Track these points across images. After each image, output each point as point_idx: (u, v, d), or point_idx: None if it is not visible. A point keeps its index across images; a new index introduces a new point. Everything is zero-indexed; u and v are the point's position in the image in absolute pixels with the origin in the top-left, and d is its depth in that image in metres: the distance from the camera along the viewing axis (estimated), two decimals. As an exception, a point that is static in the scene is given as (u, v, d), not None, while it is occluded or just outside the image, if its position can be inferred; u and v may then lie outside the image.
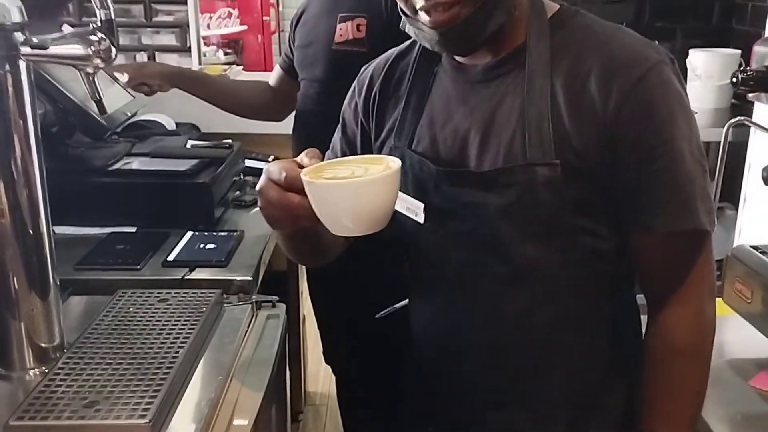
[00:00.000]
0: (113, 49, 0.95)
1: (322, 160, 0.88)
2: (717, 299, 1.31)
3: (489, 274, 0.96)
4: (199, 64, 3.10)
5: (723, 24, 3.15)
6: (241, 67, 3.18)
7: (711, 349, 0.97)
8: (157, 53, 3.18)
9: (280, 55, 1.98)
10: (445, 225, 0.97)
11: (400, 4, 0.92)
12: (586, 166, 0.89)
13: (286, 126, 1.87)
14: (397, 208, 1.01)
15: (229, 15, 4.95)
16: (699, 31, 3.18)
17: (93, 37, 0.93)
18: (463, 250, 0.97)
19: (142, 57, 3.16)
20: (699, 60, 2.92)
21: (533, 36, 0.92)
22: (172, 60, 3.15)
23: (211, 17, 4.83)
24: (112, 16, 0.94)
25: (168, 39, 3.17)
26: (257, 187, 0.88)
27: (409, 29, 0.95)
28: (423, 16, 0.89)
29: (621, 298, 1.01)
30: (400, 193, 1.00)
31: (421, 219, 0.98)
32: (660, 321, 0.96)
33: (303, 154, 0.87)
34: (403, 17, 0.94)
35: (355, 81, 1.12)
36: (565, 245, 0.92)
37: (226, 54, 4.80)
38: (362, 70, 1.12)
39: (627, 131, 0.87)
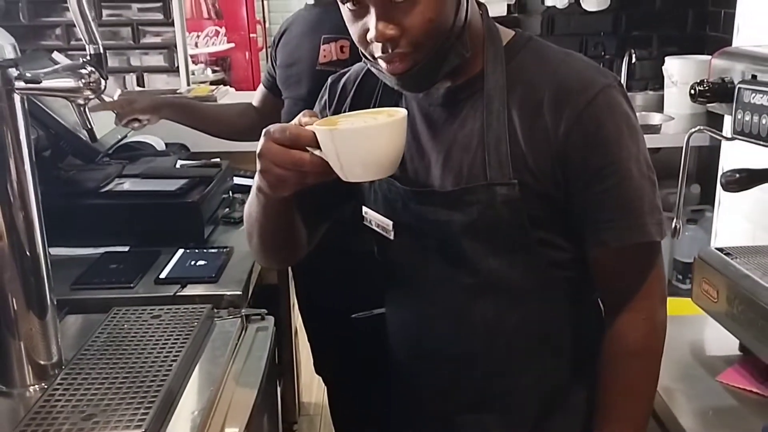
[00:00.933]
0: (102, 81, 1.01)
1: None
2: (687, 299, 1.39)
3: (457, 285, 1.02)
4: (188, 84, 3.16)
5: (697, 31, 3.23)
6: (228, 86, 3.24)
7: (662, 351, 1.04)
8: (145, 74, 3.23)
9: (268, 71, 2.04)
10: (414, 241, 1.04)
11: (361, 49, 0.96)
12: (542, 185, 0.95)
13: (273, 144, 1.92)
14: (370, 225, 1.07)
15: (217, 33, 5.01)
16: (674, 38, 3.26)
17: (83, 71, 0.99)
18: (432, 263, 1.03)
19: (131, 78, 3.20)
20: (674, 67, 3.00)
21: (490, 63, 0.98)
22: (160, 80, 3.20)
23: (198, 36, 4.88)
24: (101, 50, 1.00)
25: (156, 60, 3.22)
26: (258, 151, 0.90)
27: (371, 68, 1.00)
28: (382, 64, 0.94)
29: (583, 303, 1.08)
30: (371, 211, 1.06)
31: (390, 236, 1.05)
32: (615, 325, 1.02)
33: (300, 115, 0.91)
34: (363, 60, 1.00)
35: (325, 91, 1.15)
36: (526, 257, 0.99)
37: (214, 72, 4.85)
38: (331, 79, 1.15)
39: (577, 153, 0.93)
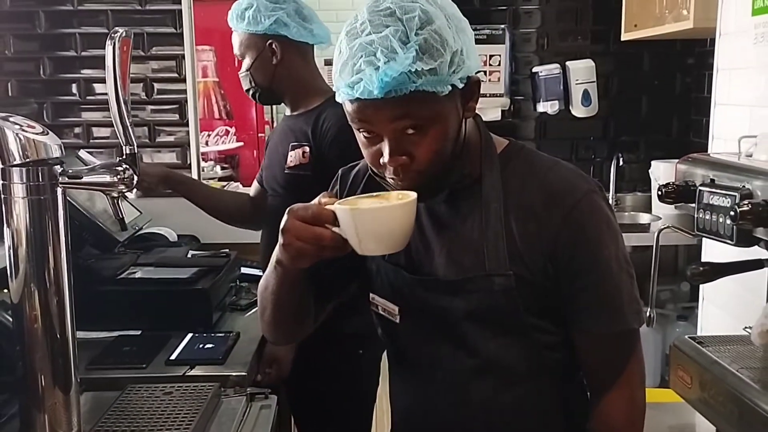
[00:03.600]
0: (135, 177, 1.14)
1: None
2: (669, 390, 1.47)
3: (458, 365, 1.13)
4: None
5: (681, 137, 3.40)
6: (238, 183, 3.38)
7: (642, 428, 1.14)
8: (159, 171, 3.37)
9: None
10: (419, 324, 1.15)
11: (372, 168, 1.08)
12: (533, 276, 1.07)
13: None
14: (376, 309, 1.19)
15: (227, 132, 5.21)
16: (660, 143, 3.42)
17: (119, 168, 1.13)
18: (434, 345, 1.14)
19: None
20: (660, 170, 3.15)
21: (486, 170, 1.11)
22: (172, 177, 3.35)
23: (209, 135, 5.09)
24: (136, 151, 1.14)
25: (169, 157, 3.37)
26: (282, 227, 1.00)
27: (379, 181, 1.11)
28: (390, 180, 1.06)
29: (572, 383, 1.18)
30: (378, 297, 1.19)
31: (396, 319, 1.16)
32: (599, 404, 1.13)
33: (320, 196, 1.03)
34: (372, 173, 1.11)
35: (337, 181, 1.26)
36: (521, 340, 1.11)
37: (223, 168, 5.03)
38: (342, 171, 1.26)
39: (565, 251, 1.06)
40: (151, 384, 1.38)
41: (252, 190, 2.16)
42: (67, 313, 1.18)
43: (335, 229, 1.00)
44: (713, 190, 1.26)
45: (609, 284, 1.08)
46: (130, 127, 1.14)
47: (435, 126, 1.01)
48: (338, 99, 1.04)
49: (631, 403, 1.13)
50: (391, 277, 1.16)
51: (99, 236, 1.83)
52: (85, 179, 1.13)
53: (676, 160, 3.13)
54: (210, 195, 2.16)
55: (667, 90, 3.42)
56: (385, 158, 1.03)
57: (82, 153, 2.12)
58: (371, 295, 1.20)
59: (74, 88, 3.04)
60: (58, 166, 1.12)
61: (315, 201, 1.04)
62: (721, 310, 2.00)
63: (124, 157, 1.14)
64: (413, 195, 1.01)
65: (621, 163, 3.34)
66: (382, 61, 0.96)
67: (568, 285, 1.08)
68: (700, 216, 1.29)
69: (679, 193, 1.35)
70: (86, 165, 1.45)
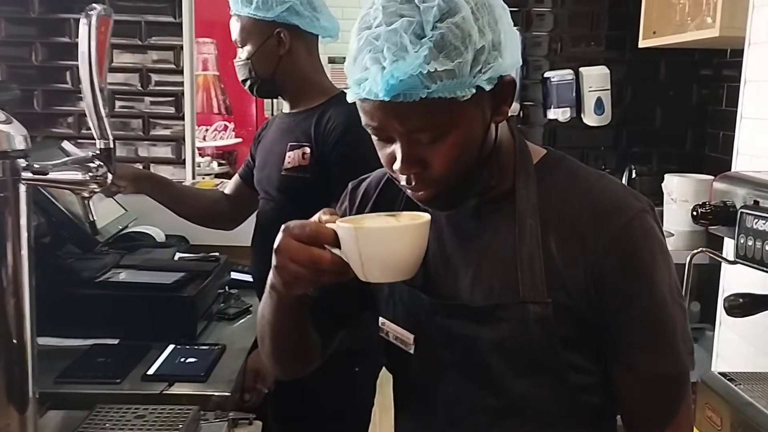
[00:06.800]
0: (109, 176, 1.01)
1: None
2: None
3: (480, 406, 0.98)
4: (193, 177, 3.19)
5: (696, 151, 3.29)
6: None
7: None
8: (152, 164, 3.27)
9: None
10: (435, 355, 0.99)
11: (387, 170, 0.95)
12: (575, 304, 0.92)
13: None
14: (386, 337, 1.04)
15: (225, 128, 5.10)
16: (673, 156, 3.31)
17: (91, 164, 1.00)
18: (453, 381, 0.99)
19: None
20: (674, 184, 3.03)
21: (521, 181, 0.96)
22: (166, 171, 3.23)
23: (207, 130, 4.97)
24: (111, 146, 1.01)
25: (164, 151, 3.26)
26: (275, 246, 0.88)
27: (397, 185, 0.98)
28: (406, 189, 0.94)
29: (603, 429, 1.02)
30: (389, 323, 1.03)
31: (411, 350, 1.01)
32: None
33: (320, 212, 0.90)
34: (389, 175, 0.98)
35: (345, 197, 1.12)
36: (554, 379, 0.95)
37: (220, 165, 4.91)
38: (352, 185, 1.13)
39: (612, 275, 0.91)
40: (123, 404, 1.25)
41: (230, 186, 2.02)
42: (27, 317, 1.06)
43: (335, 251, 0.86)
44: (758, 213, 1.13)
45: (662, 317, 0.93)
46: (105, 119, 1.01)
47: (454, 132, 0.88)
48: (348, 96, 0.90)
49: None
50: (405, 300, 1.01)
51: (78, 235, 1.70)
52: (51, 176, 1.00)
53: (693, 175, 3.06)
54: (188, 198, 2.01)
55: (683, 101, 3.30)
56: (397, 164, 0.90)
57: (66, 144, 1.98)
58: (381, 320, 1.05)
59: (68, 76, 2.93)
60: (22, 160, 0.98)
61: (315, 218, 0.90)
62: (740, 337, 1.87)
63: (98, 152, 1.00)
64: (426, 216, 0.89)
65: (633, 175, 3.21)
66: (389, 60, 0.82)
67: (613, 315, 0.93)
68: (741, 242, 1.16)
69: (716, 215, 1.21)
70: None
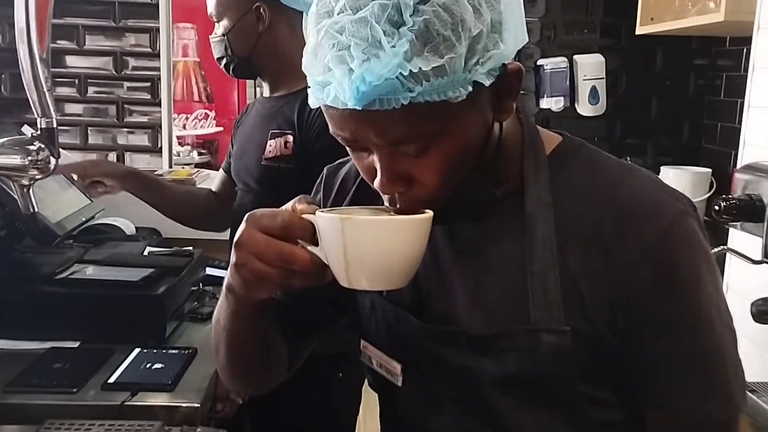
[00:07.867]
0: (52, 160, 0.87)
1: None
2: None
3: None
4: (170, 166, 3.06)
5: (692, 142, 3.19)
6: (211, 170, 3.14)
7: None
8: (127, 153, 3.14)
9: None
10: (427, 387, 0.84)
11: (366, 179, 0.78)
12: (597, 331, 0.75)
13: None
14: (369, 363, 0.89)
15: (206, 116, 4.96)
16: (669, 148, 3.22)
17: (31, 147, 0.86)
18: (448, 417, 0.83)
19: (112, 157, 3.11)
20: (670, 177, 2.93)
21: (530, 175, 0.79)
22: (143, 160, 3.12)
23: (187, 118, 4.83)
24: (54, 125, 0.87)
25: (141, 139, 3.15)
26: (236, 239, 0.71)
27: None
28: (387, 204, 0.77)
29: None
30: (372, 347, 0.87)
31: (398, 381, 0.85)
32: None
33: (295, 200, 0.74)
34: None
35: (321, 183, 0.97)
36: (568, 415, 0.79)
37: (200, 154, 4.77)
38: (328, 170, 0.97)
39: (645, 295, 0.74)
40: (76, 419, 1.11)
41: (216, 182, 1.88)
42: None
43: (312, 248, 0.70)
44: (791, 208, 1.01)
45: (707, 346, 0.75)
46: (48, 94, 0.86)
47: (446, 141, 0.70)
48: (309, 100, 0.72)
49: None
50: (390, 321, 0.85)
51: (33, 227, 1.55)
52: (-18, 160, 0.85)
53: (690, 167, 2.96)
54: (175, 199, 1.87)
55: (680, 91, 3.21)
56: (377, 183, 0.73)
57: (26, 129, 1.82)
58: (363, 343, 0.89)
59: (38, 59, 2.78)
60: (-53, 142, 0.84)
61: (288, 206, 0.74)
62: (753, 344, 1.75)
63: (38, 132, 0.86)
64: (429, 212, 0.73)
65: (628, 167, 3.11)
66: (358, 61, 0.64)
67: (648, 343, 0.76)
68: (771, 239, 1.04)
69: (740, 210, 1.09)
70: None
